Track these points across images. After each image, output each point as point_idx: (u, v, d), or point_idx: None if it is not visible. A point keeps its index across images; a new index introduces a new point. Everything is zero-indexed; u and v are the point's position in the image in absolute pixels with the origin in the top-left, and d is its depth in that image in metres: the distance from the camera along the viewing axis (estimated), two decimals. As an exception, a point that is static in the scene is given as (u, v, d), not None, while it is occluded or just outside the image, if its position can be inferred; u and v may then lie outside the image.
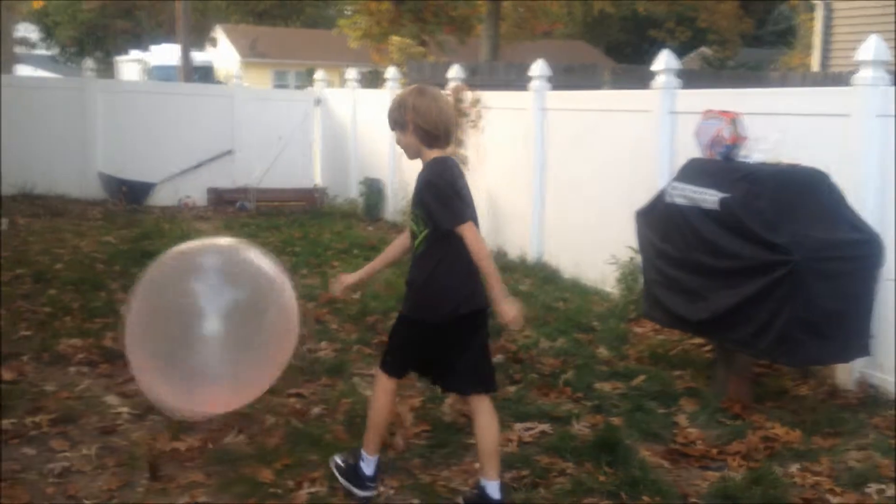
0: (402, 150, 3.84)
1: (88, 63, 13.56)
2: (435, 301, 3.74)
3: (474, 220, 3.67)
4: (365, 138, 12.89)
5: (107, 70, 38.77)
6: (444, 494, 4.00)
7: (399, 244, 4.04)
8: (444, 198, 3.63)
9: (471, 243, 3.59)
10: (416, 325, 3.82)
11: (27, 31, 51.51)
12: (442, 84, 10.77)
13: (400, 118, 3.74)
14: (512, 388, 5.35)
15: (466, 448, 4.49)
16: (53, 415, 4.69)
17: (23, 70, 26.68)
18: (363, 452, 3.90)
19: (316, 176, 14.11)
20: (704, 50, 36.05)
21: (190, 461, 4.26)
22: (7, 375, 5.24)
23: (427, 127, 3.70)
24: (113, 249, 9.14)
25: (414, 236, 3.79)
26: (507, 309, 3.60)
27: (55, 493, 3.90)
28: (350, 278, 4.13)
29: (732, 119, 5.33)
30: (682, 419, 4.93)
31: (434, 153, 3.75)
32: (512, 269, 8.74)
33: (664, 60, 7.17)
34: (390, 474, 4.17)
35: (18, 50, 32.09)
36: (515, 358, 5.91)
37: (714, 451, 4.54)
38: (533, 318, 6.85)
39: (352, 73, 13.47)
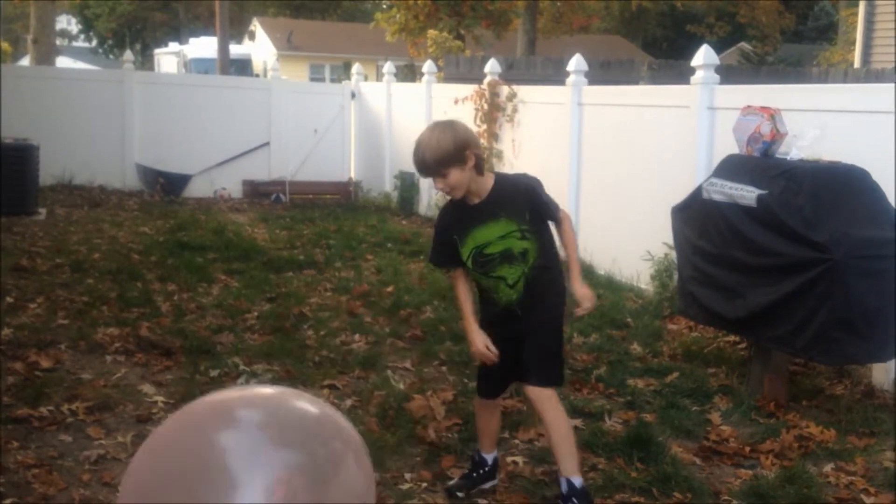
0: (447, 190, 3.64)
1: (128, 55, 13.69)
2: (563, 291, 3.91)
3: None
4: (400, 132, 12.89)
5: (145, 62, 39.20)
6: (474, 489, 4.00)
7: (467, 288, 3.84)
8: (544, 191, 3.74)
9: (569, 228, 3.81)
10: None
11: (67, 23, 52.18)
12: (479, 78, 10.77)
13: (459, 155, 3.53)
14: (544, 384, 5.33)
15: (498, 442, 4.48)
16: (90, 403, 4.75)
17: (63, 62, 27.03)
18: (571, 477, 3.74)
19: (350, 169, 14.15)
20: (744, 45, 35.70)
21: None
22: (45, 363, 5.32)
23: (480, 153, 3.66)
24: (149, 240, 9.24)
25: (523, 257, 3.67)
26: (587, 292, 3.85)
27: (90, 479, 3.95)
28: (479, 335, 3.75)
29: (772, 115, 5.28)
30: (715, 417, 4.90)
31: (489, 174, 3.73)
32: (545, 264, 8.71)
33: (703, 56, 7.10)
34: (423, 467, 4.18)
35: (58, 42, 32.52)
36: (548, 353, 5.89)
37: (747, 449, 4.50)
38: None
39: (388, 67, 13.49)
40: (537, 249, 3.68)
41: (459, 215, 3.71)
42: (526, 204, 3.65)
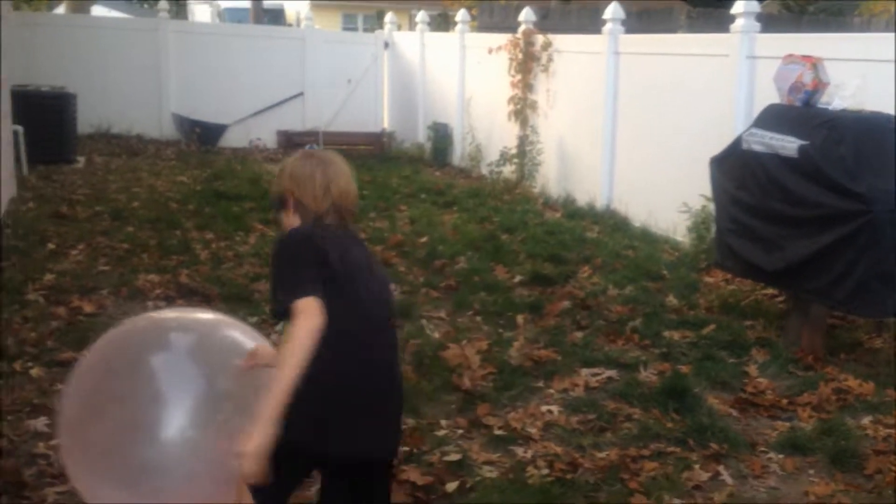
0: None
1: (162, 4, 13.68)
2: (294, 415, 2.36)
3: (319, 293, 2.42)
4: (433, 82, 12.83)
5: (179, 12, 39.08)
6: (511, 436, 4.04)
7: None
8: (285, 261, 2.53)
9: (297, 331, 2.36)
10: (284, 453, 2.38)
11: (101, -28, 52.03)
12: (513, 27, 10.65)
13: (281, 197, 2.71)
14: (579, 334, 5.35)
15: (532, 391, 4.53)
16: (132, 347, 4.83)
17: (98, 10, 27.00)
18: None
19: (384, 120, 14.12)
20: (784, -6, 34.93)
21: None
22: (87, 308, 5.41)
23: (306, 202, 2.66)
24: (187, 189, 9.31)
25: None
26: (250, 447, 2.29)
27: (134, 421, 4.03)
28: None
29: (814, 64, 5.19)
30: (752, 369, 4.89)
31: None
32: (580, 215, 8.69)
33: (743, 4, 6.97)
34: (459, 415, 4.23)
35: (93, -9, 32.48)
36: (583, 304, 5.90)
37: (784, 401, 4.50)
38: (599, 266, 6.84)
39: (421, 16, 13.37)
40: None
41: None
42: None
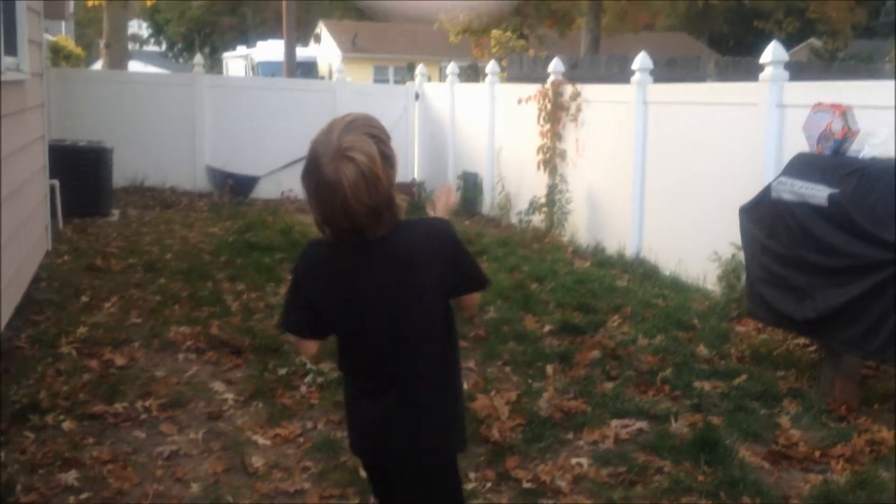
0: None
1: (198, 59, 13.96)
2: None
3: (302, 330, 2.47)
4: (463, 132, 12.93)
5: (214, 66, 39.87)
6: (540, 489, 4.00)
7: None
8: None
9: None
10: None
11: (138, 27, 53.35)
12: (542, 78, 10.74)
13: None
14: (609, 385, 5.31)
15: (562, 443, 4.49)
16: (163, 400, 4.87)
17: (134, 66, 27.60)
18: None
19: (414, 170, 14.23)
20: (814, 41, 35.04)
21: (291, 448, 4.37)
22: (119, 361, 5.46)
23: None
24: (219, 241, 9.41)
25: None
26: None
27: (164, 475, 4.05)
28: None
29: (843, 112, 5.18)
30: (784, 420, 4.82)
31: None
32: (609, 264, 8.67)
33: (772, 52, 6.99)
34: (487, 467, 4.20)
35: (130, 46, 33.24)
36: (613, 354, 5.87)
37: (817, 453, 4.42)
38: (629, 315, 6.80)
39: (451, 68, 13.52)
40: None
41: None
42: None
